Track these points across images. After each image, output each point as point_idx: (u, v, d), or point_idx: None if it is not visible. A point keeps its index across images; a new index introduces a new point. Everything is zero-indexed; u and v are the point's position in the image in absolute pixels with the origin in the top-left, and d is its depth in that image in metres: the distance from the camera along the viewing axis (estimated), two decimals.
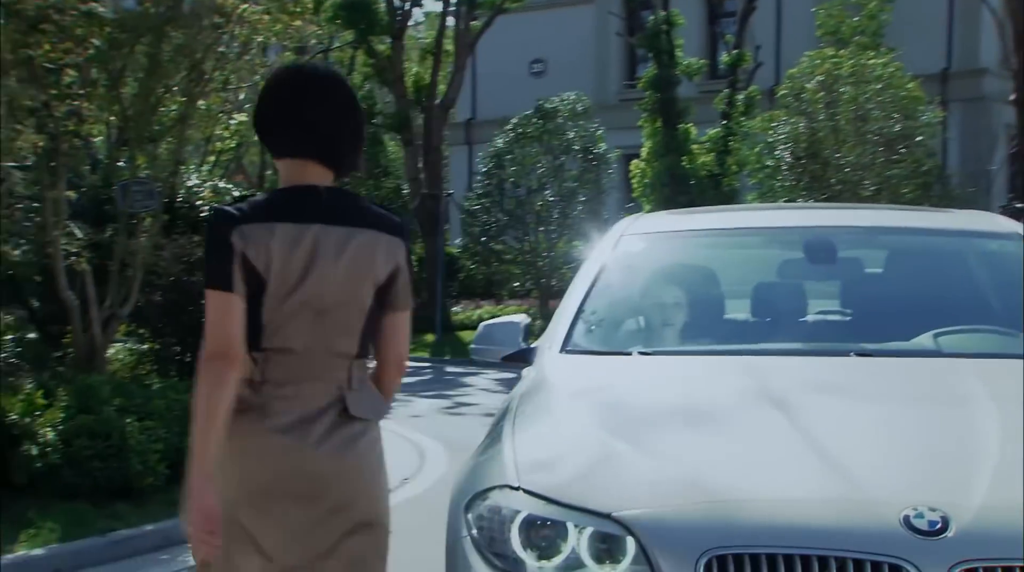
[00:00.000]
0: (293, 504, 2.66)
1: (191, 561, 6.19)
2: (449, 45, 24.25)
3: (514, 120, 22.09)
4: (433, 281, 22.66)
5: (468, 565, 2.88)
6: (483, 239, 21.89)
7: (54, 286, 8.04)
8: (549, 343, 3.99)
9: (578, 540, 2.72)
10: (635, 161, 20.46)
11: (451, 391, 15.13)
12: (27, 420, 6.71)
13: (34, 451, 6.61)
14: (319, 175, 2.76)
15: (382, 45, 23.57)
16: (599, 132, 21.73)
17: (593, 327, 4.06)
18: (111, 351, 10.03)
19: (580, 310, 4.09)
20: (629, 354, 3.80)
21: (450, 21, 24.19)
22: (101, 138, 8.83)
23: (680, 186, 19.01)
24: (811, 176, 17.56)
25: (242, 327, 2.64)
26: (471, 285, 24.08)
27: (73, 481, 6.78)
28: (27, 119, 7.38)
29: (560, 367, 3.77)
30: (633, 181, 20.26)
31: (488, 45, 30.94)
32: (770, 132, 18.12)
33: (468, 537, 2.90)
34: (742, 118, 19.90)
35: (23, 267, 8.36)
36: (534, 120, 21.77)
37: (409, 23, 25.85)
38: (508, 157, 21.83)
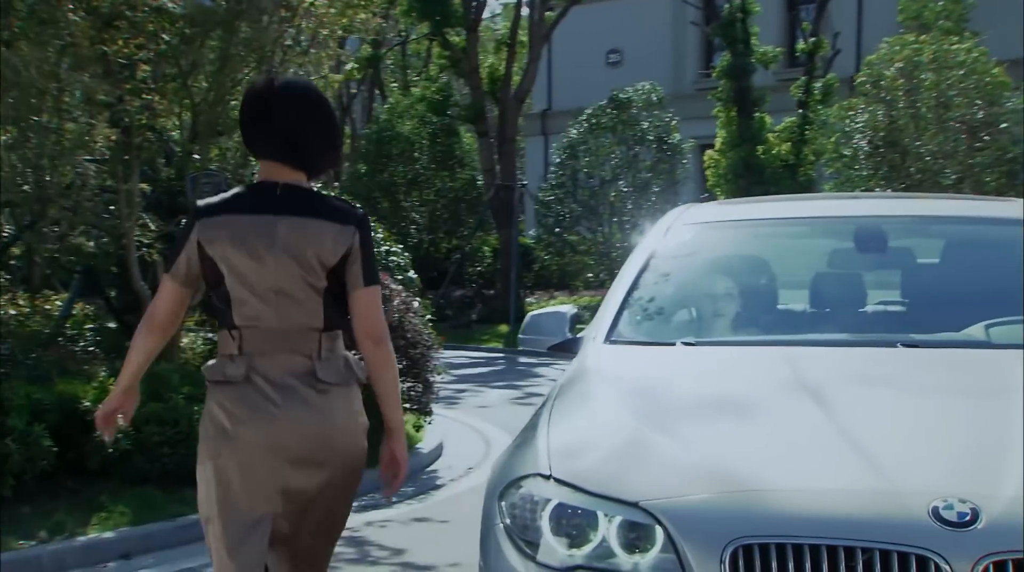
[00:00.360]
0: (268, 463, 3.07)
1: None
2: (524, 36, 24.25)
3: (588, 110, 22.05)
4: (507, 272, 22.73)
5: (500, 552, 2.92)
6: (557, 230, 21.90)
7: (129, 277, 8.25)
8: (594, 333, 3.99)
9: (608, 529, 2.73)
10: (709, 151, 20.28)
11: (522, 381, 15.17)
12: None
13: (105, 437, 6.76)
14: (286, 174, 3.12)
15: (457, 37, 23.66)
16: (673, 122, 21.58)
17: (638, 318, 4.05)
18: (185, 340, 10.26)
19: (626, 301, 4.09)
20: (673, 345, 3.79)
21: (525, 11, 24.19)
22: (176, 132, 9.00)
23: (754, 176, 18.79)
24: (889, 165, 17.22)
25: (179, 305, 3.28)
26: (546, 276, 24.09)
27: (143, 467, 6.96)
28: (101, 113, 7.57)
29: (602, 357, 3.77)
30: (707, 171, 20.08)
31: (564, 36, 30.90)
32: (847, 120, 17.80)
33: (501, 525, 2.93)
34: (819, 106, 19.59)
35: (99, 259, 8.59)
36: (608, 110, 21.71)
37: (484, 15, 25.91)
38: (582, 147, 21.81)
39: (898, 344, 3.57)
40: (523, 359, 17.68)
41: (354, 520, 7.14)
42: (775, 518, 2.55)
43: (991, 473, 2.56)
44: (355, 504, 7.54)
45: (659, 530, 2.65)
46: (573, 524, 2.79)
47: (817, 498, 2.57)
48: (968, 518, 2.42)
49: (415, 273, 10.37)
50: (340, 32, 8.74)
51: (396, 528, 6.95)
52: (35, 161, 8.09)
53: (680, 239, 4.39)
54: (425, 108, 24.71)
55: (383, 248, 10.04)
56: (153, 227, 8.15)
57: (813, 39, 20.14)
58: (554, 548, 2.78)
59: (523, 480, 2.96)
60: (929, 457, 2.66)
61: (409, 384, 8.89)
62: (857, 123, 17.60)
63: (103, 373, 7.46)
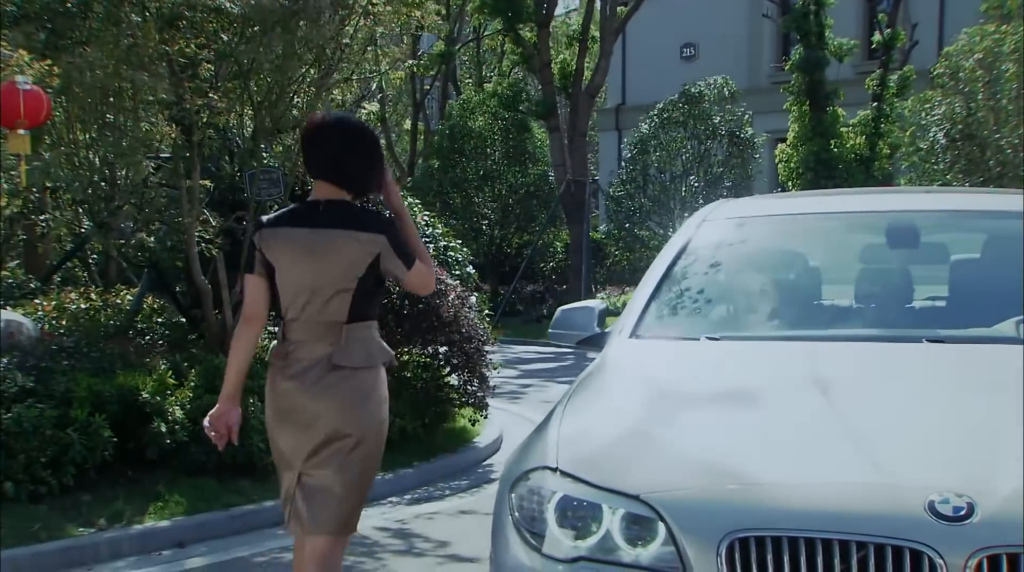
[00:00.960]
0: (295, 428, 3.78)
1: None
2: (596, 31, 24.19)
3: (659, 105, 21.93)
4: (578, 267, 22.71)
5: (507, 544, 2.96)
6: (627, 225, 21.81)
7: (190, 272, 8.44)
8: (620, 328, 4.01)
9: (612, 521, 2.76)
10: (781, 145, 20.02)
11: None
12: (158, 399, 7.06)
13: (163, 428, 6.95)
14: (331, 192, 3.78)
15: (529, 33, 23.69)
16: (746, 116, 21.36)
17: (665, 313, 4.06)
18: None
19: (654, 296, 4.10)
20: (697, 340, 3.79)
21: (598, 6, 24.13)
22: (239, 130, 9.16)
23: (827, 170, 18.51)
24: (967, 158, 16.82)
25: (261, 298, 3.85)
26: (617, 271, 24.03)
27: (200, 458, 7.12)
28: (161, 112, 7.74)
29: (624, 352, 3.79)
30: (779, 166, 19.83)
31: (639, 30, 30.76)
32: (923, 113, 17.43)
33: (510, 517, 2.97)
34: (895, 99, 19.21)
35: (161, 253, 8.78)
36: (680, 105, 21.57)
37: (557, 11, 25.89)
38: (653, 142, 21.69)
39: (923, 339, 3.53)
40: (592, 354, 17.62)
41: (404, 512, 7.27)
42: (771, 511, 2.56)
43: (990, 468, 2.55)
44: (407, 496, 7.65)
45: (660, 523, 2.67)
46: (578, 516, 2.83)
47: (814, 492, 2.58)
48: (963, 512, 2.42)
49: (475, 269, 10.39)
50: (397, 30, 8.80)
51: (444, 520, 7.02)
52: (109, 160, 8.33)
53: (711, 235, 4.38)
54: (497, 104, 24.78)
55: (441, 244, 10.11)
56: (214, 223, 8.30)
57: (889, 31, 19.74)
58: (559, 540, 2.82)
59: (531, 473, 3.00)
60: (930, 452, 2.65)
61: (464, 378, 8.96)
62: (934, 116, 17.23)
63: (163, 365, 7.63)
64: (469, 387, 9.01)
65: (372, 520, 7.05)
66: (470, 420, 9.44)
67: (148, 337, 9.54)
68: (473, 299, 9.29)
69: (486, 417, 9.48)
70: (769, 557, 2.51)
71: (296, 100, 8.82)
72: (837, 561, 2.45)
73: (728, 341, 3.76)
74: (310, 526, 3.87)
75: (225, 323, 8.45)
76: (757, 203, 4.99)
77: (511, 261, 24.61)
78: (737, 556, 2.53)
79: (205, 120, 8.22)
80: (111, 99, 7.65)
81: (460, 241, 11.01)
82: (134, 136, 7.83)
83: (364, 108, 10.11)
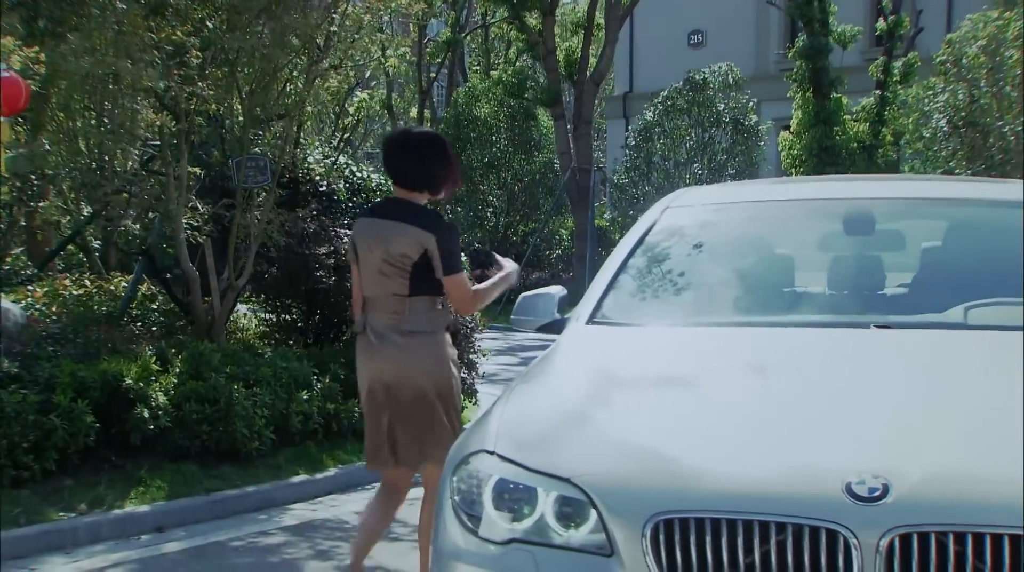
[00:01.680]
0: (377, 387, 4.48)
1: (286, 521, 6.50)
2: (602, 19, 24.13)
3: (664, 92, 21.88)
4: (583, 254, 22.70)
5: (445, 527, 3.00)
6: (631, 213, 21.76)
7: (179, 258, 8.48)
8: (578, 314, 4.03)
9: (546, 504, 2.78)
10: (784, 133, 19.94)
11: None
12: (141, 385, 7.11)
13: (146, 414, 7.00)
14: (400, 192, 4.54)
15: (534, 20, 23.64)
16: (751, 104, 21.30)
17: (623, 299, 4.07)
18: (244, 321, 10.52)
19: (612, 282, 4.12)
20: (651, 326, 3.81)
21: None
22: (229, 118, 9.19)
23: (830, 158, 18.43)
24: (970, 145, 16.74)
25: (357, 281, 4.61)
26: None
27: (183, 443, 7.17)
28: (147, 100, 7.77)
29: (577, 338, 3.82)
30: (782, 153, 19.77)
31: (646, 17, 30.66)
32: (927, 100, 17.35)
33: (449, 500, 3.00)
34: (898, 87, 19.12)
35: (153, 240, 8.83)
36: (684, 92, 21.51)
37: None
38: (657, 130, 21.65)
39: (872, 325, 3.54)
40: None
41: None
42: (695, 493, 2.59)
43: (909, 451, 2.57)
44: None
45: (591, 505, 2.69)
46: (514, 499, 2.86)
47: (737, 474, 2.60)
48: (878, 493, 2.44)
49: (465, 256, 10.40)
50: (385, 18, 8.79)
51: None
52: (98, 147, 8.37)
53: (673, 222, 4.39)
54: (502, 92, 24.77)
55: None
56: (202, 210, 8.34)
57: (893, 17, 19.64)
58: (495, 522, 2.85)
59: (471, 457, 3.03)
60: (854, 435, 2.67)
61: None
62: (936, 103, 17.15)
63: (149, 352, 7.68)
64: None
65: (353, 505, 7.09)
66: None
67: (140, 324, 9.60)
68: None
69: (475, 404, 9.51)
70: (692, 538, 2.53)
71: (288, 88, 8.86)
72: (757, 542, 2.48)
73: (681, 327, 3.78)
74: (417, 461, 4.57)
75: (213, 310, 8.49)
76: (720, 191, 5.01)
77: (516, 249, 24.61)
78: (662, 537, 2.56)
79: (193, 108, 8.26)
80: (97, 87, 7.67)
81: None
82: (120, 124, 7.86)
83: (357, 95, 10.09)
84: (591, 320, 3.93)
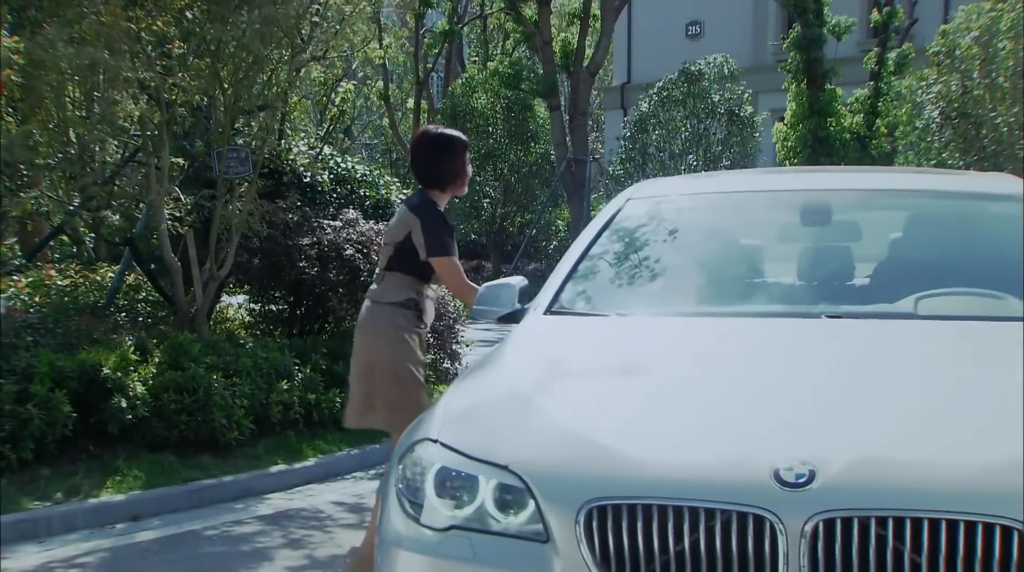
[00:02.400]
0: (355, 348, 4.88)
1: (262, 511, 6.51)
2: (598, 10, 24.09)
3: (659, 84, 21.86)
4: None
5: (388, 514, 3.02)
6: None
7: (161, 249, 8.49)
8: (537, 304, 4.04)
9: (486, 491, 2.80)
10: (778, 124, 19.92)
11: None
12: (119, 375, 7.13)
13: (123, 404, 7.02)
14: (421, 184, 4.97)
15: (530, 11, 23.61)
16: (746, 95, 21.28)
17: (582, 289, 4.09)
18: (232, 311, 10.54)
19: (572, 272, 4.13)
20: (607, 316, 3.82)
21: None
22: (214, 109, 9.20)
23: (824, 149, 18.41)
24: (963, 137, 16.71)
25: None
26: None
27: (161, 433, 7.19)
28: (125, 90, 7.77)
29: (533, 327, 3.83)
30: (776, 145, 19.75)
31: (644, 8, 30.64)
32: (920, 91, 17.31)
33: (394, 488, 3.02)
34: (893, 78, 19.09)
35: (136, 231, 8.84)
36: (680, 84, 21.48)
37: None
38: (652, 121, 21.63)
39: (822, 315, 3.55)
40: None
41: (364, 487, 7.34)
42: (627, 480, 2.61)
43: (839, 437, 2.59)
44: (372, 472, 7.69)
45: (528, 493, 2.71)
46: (456, 487, 2.87)
47: (670, 461, 2.62)
48: (804, 479, 2.46)
49: (478, 247, 10.40)
50: (368, 9, 8.79)
51: None
52: (82, 138, 8.37)
53: (633, 213, 4.40)
54: (498, 83, 24.75)
55: None
56: (184, 201, 8.35)
57: (888, 9, 19.60)
58: (437, 510, 2.87)
59: (416, 445, 3.05)
60: (787, 422, 2.69)
61: (435, 356, 9.01)
62: (929, 94, 17.11)
63: (128, 341, 7.70)
64: (441, 365, 9.06)
65: (331, 495, 7.13)
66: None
67: (125, 314, 9.63)
68: None
69: None
70: (625, 525, 2.55)
71: (272, 79, 8.87)
72: (687, 527, 2.49)
73: (634, 317, 3.79)
74: (383, 423, 4.86)
75: (196, 300, 8.51)
76: (682, 182, 5.03)
77: (513, 239, 24.65)
78: (595, 524, 2.58)
79: (175, 99, 8.27)
80: (77, 78, 7.67)
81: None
82: (101, 114, 7.87)
83: (342, 86, 10.10)
84: (549, 310, 3.94)
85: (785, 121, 19.42)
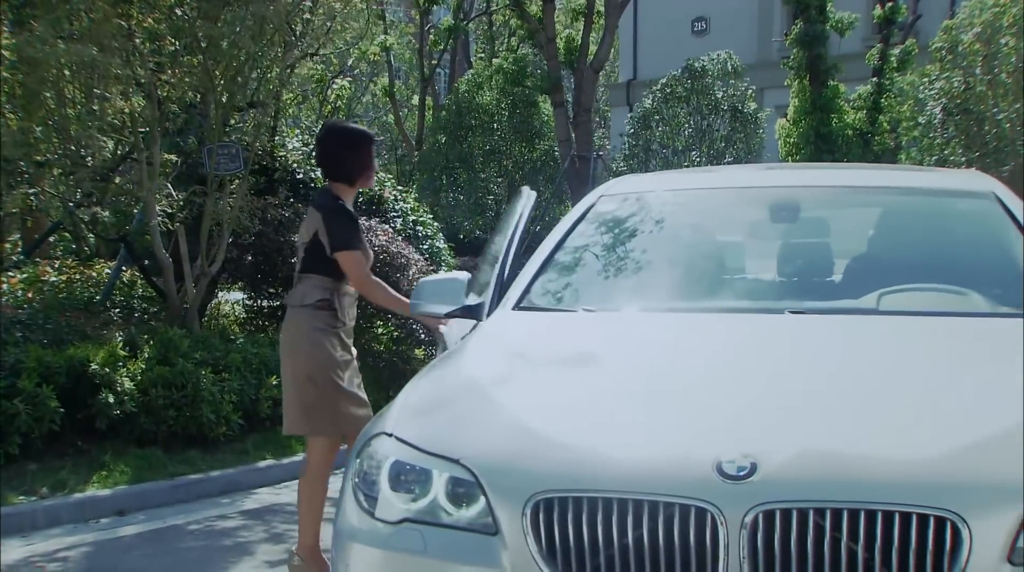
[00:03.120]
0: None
1: (247, 505, 6.55)
2: (602, 6, 24.02)
3: (662, 80, 21.81)
4: None
5: (344, 507, 3.04)
6: None
7: (152, 245, 8.52)
8: (505, 300, 4.04)
9: (439, 485, 2.82)
10: (781, 120, 19.84)
11: None
12: (107, 370, 7.16)
13: (111, 399, 7.05)
14: (327, 178, 4.92)
15: (535, 7, 23.56)
16: (750, 91, 21.21)
17: (551, 285, 4.09)
18: (227, 307, 10.57)
19: (542, 268, 4.13)
20: (575, 311, 3.83)
21: None
22: (206, 106, 9.22)
23: (826, 145, 18.33)
24: (965, 133, 16.65)
25: None
26: None
27: (149, 428, 7.23)
28: (115, 87, 7.79)
29: (498, 322, 3.84)
30: (779, 141, 19.67)
31: (649, 4, 30.57)
32: (923, 87, 17.25)
33: (351, 481, 3.04)
34: (896, 74, 19.00)
35: (115, 228, 8.86)
36: (683, 80, 21.41)
37: None
38: (656, 118, 21.58)
39: (786, 311, 3.55)
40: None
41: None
42: (573, 473, 2.62)
43: (783, 430, 2.60)
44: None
45: (479, 486, 2.72)
46: (410, 480, 2.89)
47: (616, 455, 2.63)
48: (746, 472, 2.48)
49: (481, 244, 10.42)
50: (360, 5, 8.80)
51: None
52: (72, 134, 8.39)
53: (604, 210, 4.41)
54: (502, 79, 24.73)
55: (411, 218, 10.15)
56: (176, 197, 8.37)
57: (890, 4, 19.50)
58: (391, 503, 2.88)
59: (372, 439, 3.07)
60: (733, 416, 2.70)
61: (426, 351, 9.02)
62: (932, 90, 17.05)
63: (118, 337, 7.73)
64: (430, 358, 9.07)
65: None
66: None
67: (119, 310, 9.66)
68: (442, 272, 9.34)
69: None
70: (570, 517, 2.56)
71: (267, 75, 8.89)
72: (631, 520, 2.51)
73: (601, 312, 3.79)
74: (307, 430, 4.90)
75: (186, 297, 8.53)
76: (655, 179, 5.03)
77: None
78: (541, 517, 2.59)
79: (167, 95, 8.29)
80: (66, 74, 7.70)
81: (431, 216, 11.02)
82: (90, 111, 7.89)
83: (337, 83, 10.11)
84: (518, 305, 3.95)
85: (788, 117, 19.35)
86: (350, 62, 9.86)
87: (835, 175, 4.66)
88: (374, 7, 25.55)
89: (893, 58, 19.24)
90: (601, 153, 25.25)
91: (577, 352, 3.37)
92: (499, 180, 25.32)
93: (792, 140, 18.96)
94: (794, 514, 2.41)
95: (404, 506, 2.86)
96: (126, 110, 7.89)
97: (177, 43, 8.41)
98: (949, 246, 3.92)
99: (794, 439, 2.56)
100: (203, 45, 8.14)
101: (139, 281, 10.16)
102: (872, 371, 2.97)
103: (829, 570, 2.37)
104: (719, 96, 21.03)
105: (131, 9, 7.78)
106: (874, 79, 19.29)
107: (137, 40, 8.09)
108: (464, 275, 4.22)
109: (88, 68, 7.96)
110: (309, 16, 8.40)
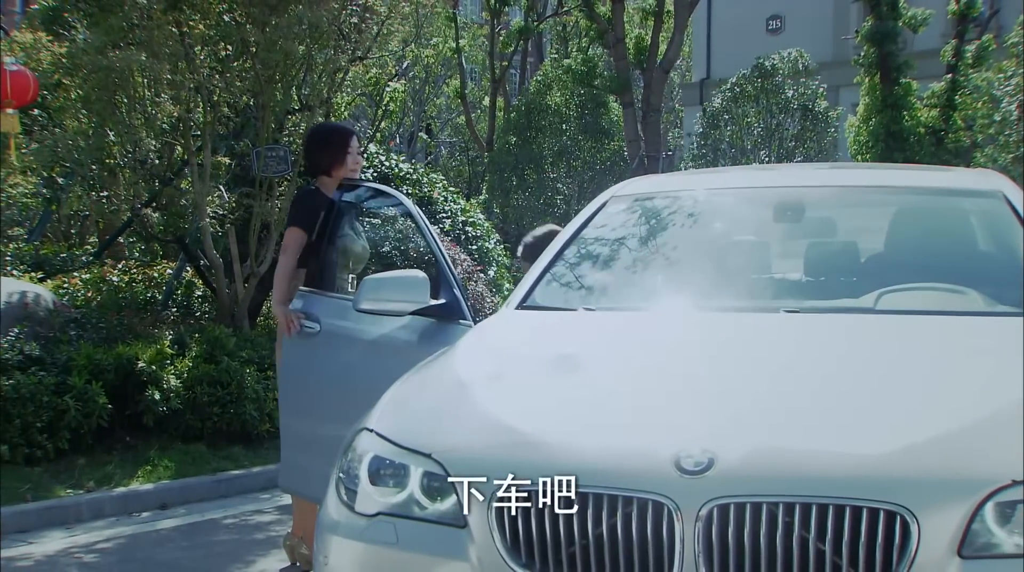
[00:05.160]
0: None
1: (285, 501, 6.70)
2: (671, 6, 23.88)
3: (732, 80, 21.61)
4: None
5: (327, 502, 3.11)
6: None
7: (204, 246, 8.71)
8: (510, 300, 4.08)
9: (415, 479, 2.87)
10: (851, 118, 19.51)
11: None
12: (154, 368, 7.35)
13: (157, 396, 7.24)
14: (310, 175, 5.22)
15: (604, 8, 23.52)
16: (821, 90, 20.91)
17: (557, 284, 4.11)
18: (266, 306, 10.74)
19: (548, 268, 4.15)
20: (575, 310, 3.85)
21: None
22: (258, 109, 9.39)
23: (897, 143, 17.97)
24: None
25: None
26: None
27: (194, 425, 7.40)
28: (166, 93, 7.99)
29: (498, 321, 3.88)
30: (848, 139, 19.35)
31: (724, 3, 30.30)
32: (997, 84, 16.85)
33: (336, 476, 3.11)
34: (971, 70, 18.56)
35: (167, 230, 9.07)
36: (753, 79, 21.20)
37: None
38: (725, 117, 21.39)
39: (781, 310, 3.53)
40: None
41: None
42: (536, 466, 2.64)
43: (742, 426, 2.62)
44: None
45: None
46: (388, 475, 2.95)
47: (580, 448, 2.67)
48: (703, 467, 2.50)
49: (496, 243, 10.49)
50: (406, 9, 8.89)
51: None
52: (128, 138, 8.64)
53: (613, 211, 4.41)
54: (571, 80, 24.72)
55: (460, 219, 10.22)
56: (227, 199, 8.55)
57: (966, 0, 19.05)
58: (370, 497, 2.95)
59: (356, 435, 3.13)
60: (698, 412, 2.72)
61: None
62: (1007, 87, 16.65)
63: (167, 335, 7.93)
64: None
65: None
66: None
67: (178, 310, 9.89)
68: (491, 273, 9.40)
69: None
70: (533, 511, 2.59)
71: (318, 79, 9.04)
72: (590, 512, 2.54)
73: (600, 312, 3.81)
74: None
75: (236, 296, 8.71)
76: (666, 180, 5.03)
77: None
78: (505, 510, 2.63)
79: (217, 99, 8.47)
80: (116, 80, 7.91)
81: (484, 215, 11.09)
82: (143, 116, 8.11)
83: (390, 86, 10.24)
84: (521, 304, 3.97)
85: (858, 115, 19.02)
86: (405, 64, 10.02)
87: (844, 175, 4.60)
88: (447, 10, 25.87)
89: (968, 54, 18.81)
90: (669, 153, 25.11)
91: (564, 351, 3.40)
92: (568, 180, 25.29)
93: (861, 138, 18.65)
94: (747, 508, 2.43)
95: (382, 500, 2.91)
96: (175, 114, 8.08)
97: (230, 48, 8.59)
98: (953, 245, 3.86)
99: (752, 435, 2.58)
100: (253, 50, 8.29)
101: (198, 282, 10.38)
102: (844, 369, 2.96)
103: (782, 564, 2.39)
104: (789, 95, 20.77)
105: (182, 16, 7.95)
106: (948, 76, 18.87)
107: (190, 45, 8.28)
108: (422, 274, 4.08)
109: (139, 74, 8.19)
110: (356, 21, 8.51)
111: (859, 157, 18.67)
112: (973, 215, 3.92)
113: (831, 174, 4.71)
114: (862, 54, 18.72)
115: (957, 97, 18.67)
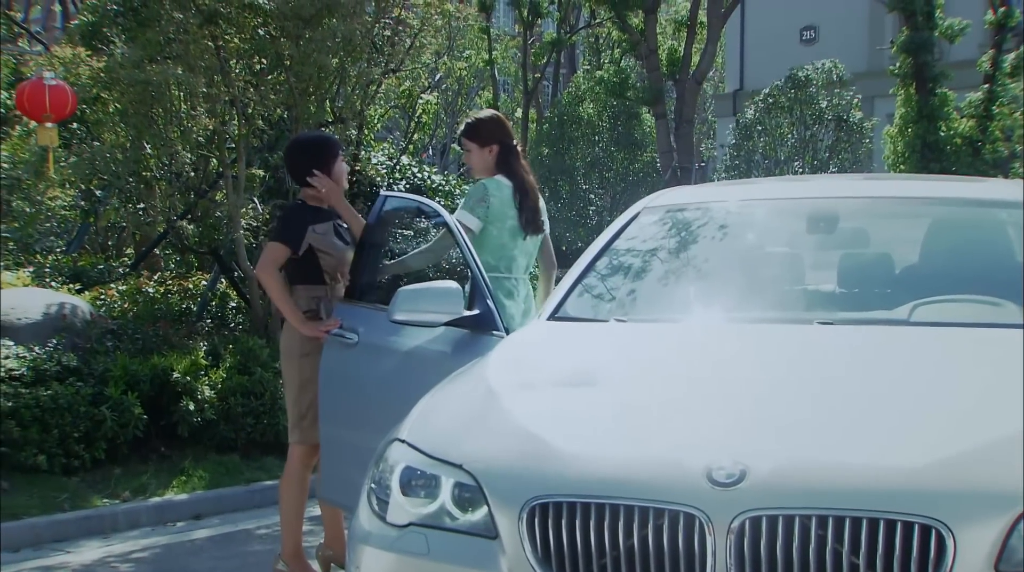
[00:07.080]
0: None
1: (316, 511, 6.75)
2: (704, 17, 23.86)
3: (765, 90, 21.54)
4: None
5: (360, 512, 3.12)
6: None
7: (238, 257, 8.78)
8: (541, 311, 4.08)
9: (446, 490, 2.89)
10: (887, 128, 19.39)
11: None
12: (188, 379, 7.41)
13: (191, 407, 7.29)
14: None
15: (636, 19, 23.52)
16: (855, 100, 20.79)
17: (588, 296, 4.12)
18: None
19: (579, 279, 4.15)
20: (606, 322, 3.85)
21: None
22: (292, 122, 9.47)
23: (933, 154, 17.83)
24: None
25: None
26: None
27: (228, 435, 7.45)
28: (201, 106, 8.08)
29: (529, 333, 3.89)
30: (885, 150, 19.23)
31: (757, 13, 30.20)
32: None
33: (368, 486, 3.13)
34: (1008, 80, 18.40)
35: (201, 241, 9.15)
36: (787, 90, 21.11)
37: None
38: (758, 128, 21.31)
39: (815, 322, 3.52)
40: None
41: None
42: (567, 478, 2.66)
43: (777, 439, 2.62)
44: None
45: (480, 490, 2.78)
46: (420, 485, 2.97)
47: (610, 460, 2.67)
48: (735, 479, 2.50)
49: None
50: (439, 22, 8.94)
51: None
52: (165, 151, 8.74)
53: (645, 222, 4.41)
54: (603, 91, 24.73)
55: None
56: (261, 210, 8.62)
57: (1004, 9, 18.89)
58: (402, 507, 2.96)
59: (388, 446, 3.15)
60: (730, 423, 2.72)
61: None
62: None
63: (203, 347, 7.99)
64: None
65: None
66: None
67: (212, 321, 9.96)
68: None
69: None
70: (564, 522, 2.60)
71: (352, 92, 9.10)
72: (622, 525, 2.54)
73: (631, 323, 3.81)
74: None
75: (269, 307, 8.77)
76: (698, 191, 5.02)
77: None
78: (537, 521, 2.64)
79: (251, 111, 8.55)
80: (153, 94, 8.00)
81: None
82: (179, 128, 8.19)
83: (423, 98, 10.29)
84: (552, 316, 3.98)
85: (894, 125, 18.89)
86: (438, 77, 10.12)
87: (877, 186, 4.58)
88: (480, 22, 25.96)
89: (1006, 64, 18.64)
90: (702, 164, 25.05)
91: (595, 362, 3.40)
92: (600, 192, 25.29)
93: (898, 149, 18.52)
94: (780, 521, 2.43)
95: (413, 510, 2.93)
96: (210, 127, 8.16)
97: (264, 61, 8.67)
98: (988, 257, 3.83)
99: (785, 447, 2.58)
100: (287, 64, 8.36)
101: (232, 293, 10.46)
102: (877, 381, 2.95)
103: None
104: (823, 106, 20.66)
105: (218, 30, 8.03)
106: (986, 86, 18.70)
107: (225, 59, 8.36)
108: (455, 285, 4.09)
109: (178, 87, 8.29)
110: (389, 34, 8.56)
111: (895, 168, 18.54)
112: (1010, 226, 3.89)
113: (865, 185, 4.69)
114: (897, 64, 18.59)
115: (995, 107, 18.51)
